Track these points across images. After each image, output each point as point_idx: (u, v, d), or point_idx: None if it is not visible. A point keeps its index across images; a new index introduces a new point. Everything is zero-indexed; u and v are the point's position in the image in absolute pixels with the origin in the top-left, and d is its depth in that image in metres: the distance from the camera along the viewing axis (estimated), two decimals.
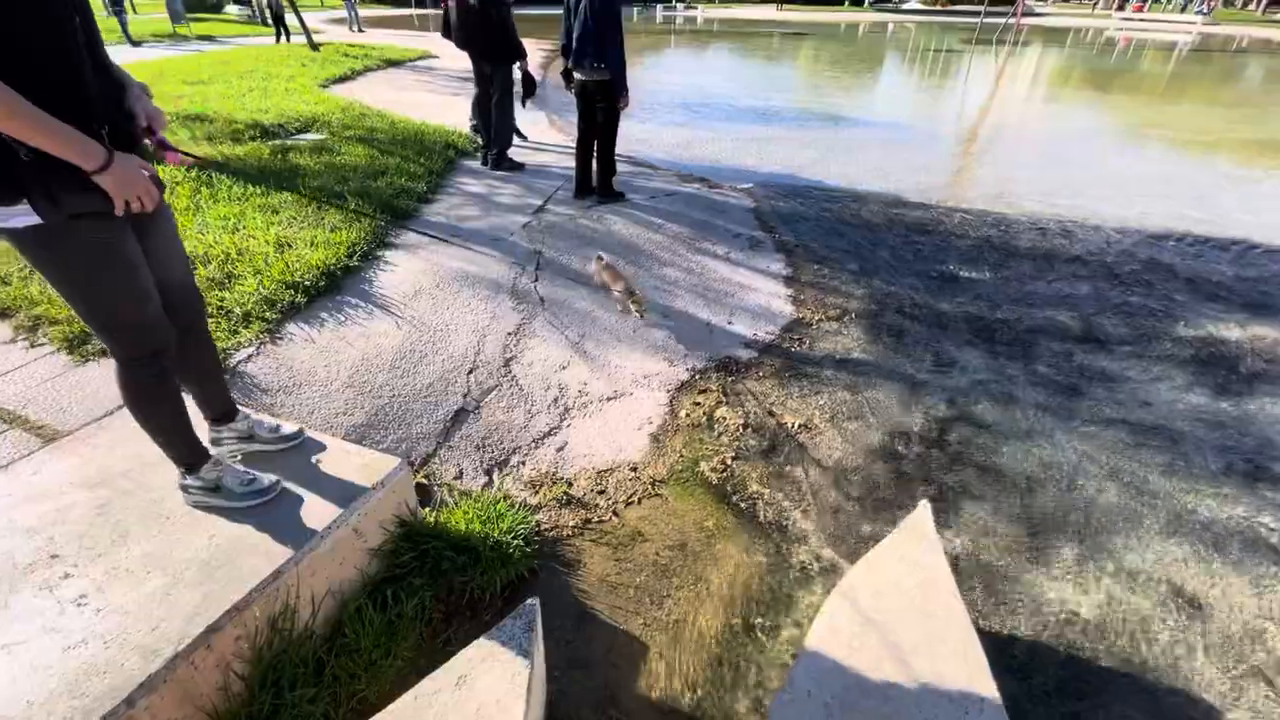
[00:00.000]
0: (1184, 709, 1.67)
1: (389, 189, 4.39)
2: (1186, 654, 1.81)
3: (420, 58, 14.17)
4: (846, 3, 53.03)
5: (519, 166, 5.46)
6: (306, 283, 3.04)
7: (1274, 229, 4.73)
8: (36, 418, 2.23)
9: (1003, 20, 24.37)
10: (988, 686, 1.26)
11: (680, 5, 49.98)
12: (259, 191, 4.15)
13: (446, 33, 5.28)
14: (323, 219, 3.82)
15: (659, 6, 48.65)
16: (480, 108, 5.33)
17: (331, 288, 3.19)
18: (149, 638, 1.34)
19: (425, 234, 3.93)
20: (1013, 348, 3.24)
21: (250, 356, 2.64)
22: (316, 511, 1.68)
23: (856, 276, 3.91)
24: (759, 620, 1.86)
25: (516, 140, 6.12)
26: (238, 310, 2.82)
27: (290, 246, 3.38)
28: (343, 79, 10.53)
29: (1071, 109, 10.35)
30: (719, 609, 1.90)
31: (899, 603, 1.46)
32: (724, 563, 2.06)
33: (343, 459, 1.88)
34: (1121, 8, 44.45)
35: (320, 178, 4.48)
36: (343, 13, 27.16)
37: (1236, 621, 1.90)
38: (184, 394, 1.64)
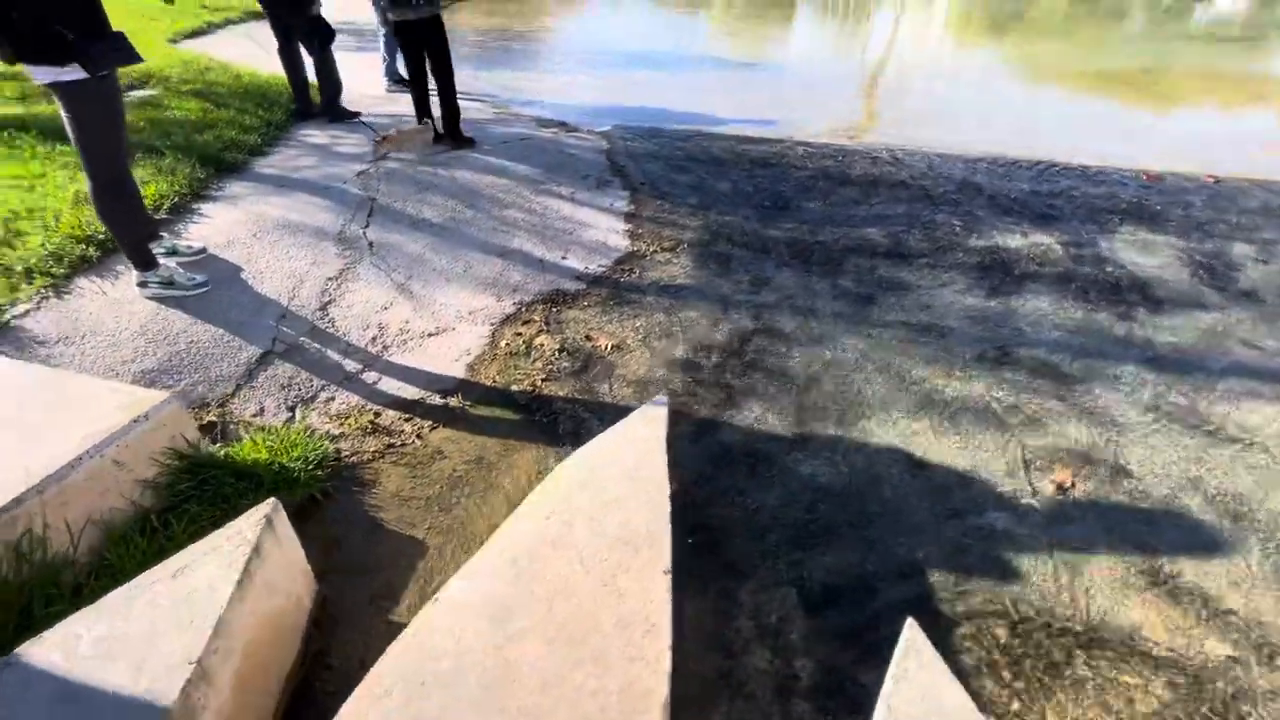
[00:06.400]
0: (889, 540, 1.97)
1: (216, 142, 4.17)
2: (904, 502, 2.12)
3: None
4: None
5: (352, 115, 5.20)
6: (100, 237, 2.92)
7: (1075, 150, 5.22)
8: None
9: None
10: (662, 526, 1.46)
11: None
12: (69, 150, 3.87)
13: None
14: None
15: None
16: (286, 58, 4.92)
17: None
18: None
19: (249, 184, 3.80)
20: (825, 266, 3.51)
21: (28, 311, 2.54)
22: (64, 445, 1.70)
23: (694, 210, 4.08)
24: None
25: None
26: (18, 267, 2.69)
27: (89, 203, 3.21)
28: (197, 33, 9.62)
29: (954, 49, 10.85)
30: (504, 508, 2.06)
31: (610, 462, 1.65)
32: (516, 471, 2.21)
33: (105, 397, 1.89)
34: None
35: (140, 134, 4.20)
36: None
37: (951, 475, 2.23)
38: None
